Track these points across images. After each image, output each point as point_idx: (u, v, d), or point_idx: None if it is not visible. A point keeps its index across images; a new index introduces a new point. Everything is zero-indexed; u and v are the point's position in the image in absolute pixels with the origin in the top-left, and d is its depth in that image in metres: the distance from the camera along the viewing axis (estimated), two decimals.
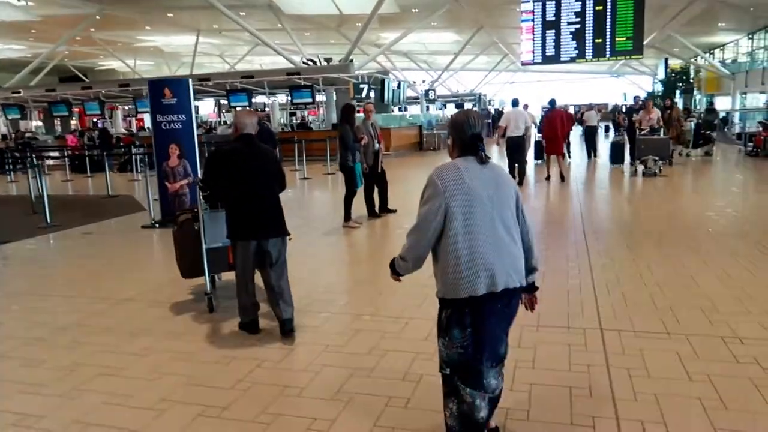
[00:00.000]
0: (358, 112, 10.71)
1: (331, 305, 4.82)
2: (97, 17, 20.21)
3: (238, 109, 21.02)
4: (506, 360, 2.49)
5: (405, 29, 21.34)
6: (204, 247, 4.57)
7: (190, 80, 8.48)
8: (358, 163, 7.71)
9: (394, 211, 8.53)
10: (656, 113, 12.72)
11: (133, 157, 16.14)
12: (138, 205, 10.38)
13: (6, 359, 3.94)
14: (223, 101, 23.32)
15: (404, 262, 2.42)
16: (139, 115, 29.16)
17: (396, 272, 2.50)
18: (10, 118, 24.11)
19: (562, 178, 11.85)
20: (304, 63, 19.53)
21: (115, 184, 13.07)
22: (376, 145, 8.02)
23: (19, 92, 22.71)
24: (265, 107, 24.35)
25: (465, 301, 2.25)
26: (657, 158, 11.68)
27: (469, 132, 2.37)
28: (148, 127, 27.93)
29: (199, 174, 8.14)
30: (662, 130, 12.80)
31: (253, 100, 20.46)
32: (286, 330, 4.08)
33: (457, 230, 2.25)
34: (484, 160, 2.35)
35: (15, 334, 4.41)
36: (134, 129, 28.76)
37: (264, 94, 21.26)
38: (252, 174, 4.01)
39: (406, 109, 28.64)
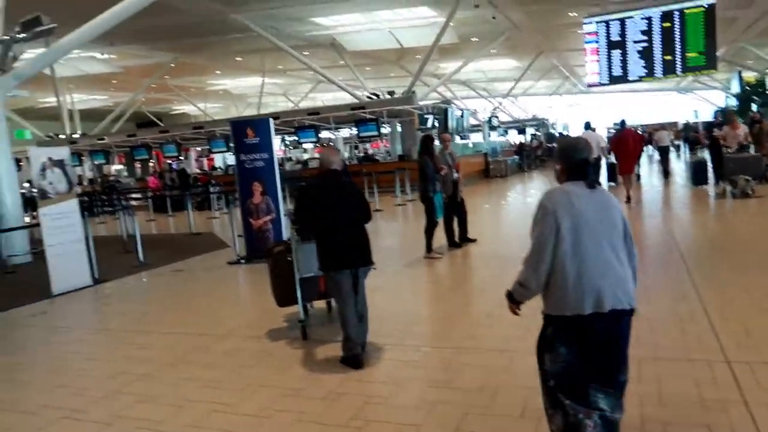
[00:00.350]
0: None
1: (428, 338, 4.75)
2: (172, 65, 21.57)
3: (304, 145, 21.65)
4: (627, 393, 2.40)
5: (465, 58, 21.46)
6: (297, 276, 4.71)
7: (271, 120, 8.75)
8: (438, 194, 7.67)
9: (474, 241, 8.40)
10: (743, 129, 11.94)
11: (211, 195, 16.80)
12: (220, 242, 10.71)
13: (121, 395, 4.07)
14: (290, 138, 24.05)
15: (524, 289, 2.44)
16: (210, 155, 30.55)
17: (514, 301, 2.51)
18: (96, 163, 25.80)
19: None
20: (368, 97, 19.94)
21: (196, 222, 13.60)
22: (455, 175, 7.99)
23: (104, 139, 24.33)
24: (330, 142, 24.91)
25: (571, 319, 2.29)
26: (749, 178, 10.90)
27: (577, 157, 2.46)
28: (219, 167, 29.17)
29: (282, 209, 8.37)
30: (752, 146, 12.02)
31: (320, 135, 20.97)
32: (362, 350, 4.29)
33: (566, 251, 2.28)
34: (592, 184, 2.40)
35: (125, 370, 4.56)
36: (207, 168, 30.11)
37: (329, 129, 21.78)
38: (333, 207, 4.20)
39: (467, 137, 28.55)
